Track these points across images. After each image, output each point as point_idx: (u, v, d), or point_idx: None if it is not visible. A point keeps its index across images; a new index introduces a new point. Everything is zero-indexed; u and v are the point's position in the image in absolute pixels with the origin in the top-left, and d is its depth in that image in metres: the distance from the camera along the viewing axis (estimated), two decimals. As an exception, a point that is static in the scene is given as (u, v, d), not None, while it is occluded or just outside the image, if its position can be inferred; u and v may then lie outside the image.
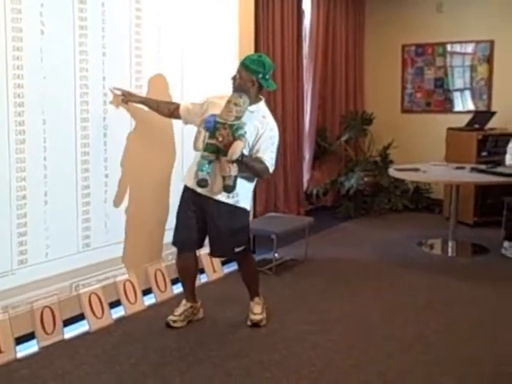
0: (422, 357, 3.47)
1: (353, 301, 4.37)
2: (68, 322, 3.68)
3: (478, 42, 7.34)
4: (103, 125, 3.87)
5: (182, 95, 4.38)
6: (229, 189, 3.44)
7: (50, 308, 3.55)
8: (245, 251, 3.78)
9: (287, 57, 6.41)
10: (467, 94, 7.56)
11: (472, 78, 7.48)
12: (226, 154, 3.36)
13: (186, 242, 3.79)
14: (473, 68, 7.45)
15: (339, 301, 4.36)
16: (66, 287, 3.71)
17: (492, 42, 7.24)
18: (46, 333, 3.50)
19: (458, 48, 7.55)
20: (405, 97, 7.87)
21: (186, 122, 3.91)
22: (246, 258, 3.87)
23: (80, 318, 3.76)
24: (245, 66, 3.54)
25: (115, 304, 3.98)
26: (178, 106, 3.86)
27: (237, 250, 3.72)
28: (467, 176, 5.66)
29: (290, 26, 6.44)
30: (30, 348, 3.44)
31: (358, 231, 6.55)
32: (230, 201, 3.59)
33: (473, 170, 5.77)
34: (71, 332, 3.67)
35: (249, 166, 3.48)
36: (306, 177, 7.17)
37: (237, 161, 3.37)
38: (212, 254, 3.90)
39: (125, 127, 4.03)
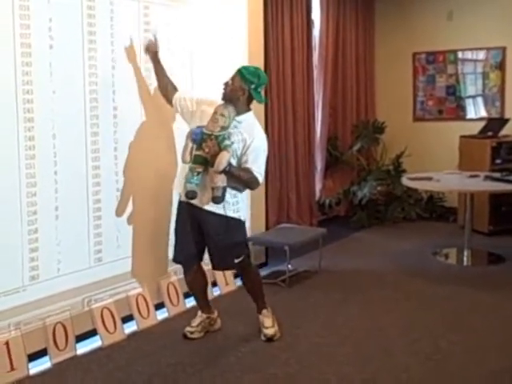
0: (440, 369, 3.41)
1: (367, 312, 4.31)
2: (80, 338, 3.66)
3: (489, 49, 7.28)
4: (113, 138, 3.86)
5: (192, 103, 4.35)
6: (217, 200, 3.43)
7: (63, 324, 3.53)
8: (243, 262, 3.74)
9: (297, 66, 6.39)
10: (479, 101, 7.49)
11: (484, 85, 7.41)
12: (213, 165, 3.36)
13: (186, 258, 3.77)
14: (485, 75, 7.38)
15: (353, 312, 4.31)
16: (78, 302, 3.69)
17: (504, 49, 7.17)
18: (59, 349, 3.48)
19: (469, 55, 7.49)
20: (416, 105, 7.81)
21: (176, 111, 3.81)
22: (246, 270, 3.83)
23: (92, 333, 3.73)
24: (240, 73, 3.54)
25: (128, 319, 3.95)
26: (175, 92, 3.79)
27: (236, 261, 3.69)
28: (481, 184, 5.59)
29: (300, 36, 6.43)
30: (43, 365, 3.42)
31: (371, 241, 6.48)
32: (220, 211, 3.55)
33: (487, 178, 5.70)
34: (84, 348, 3.65)
35: (236, 177, 3.47)
36: (318, 186, 7.12)
37: (224, 171, 3.35)
38: (213, 267, 3.81)
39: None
